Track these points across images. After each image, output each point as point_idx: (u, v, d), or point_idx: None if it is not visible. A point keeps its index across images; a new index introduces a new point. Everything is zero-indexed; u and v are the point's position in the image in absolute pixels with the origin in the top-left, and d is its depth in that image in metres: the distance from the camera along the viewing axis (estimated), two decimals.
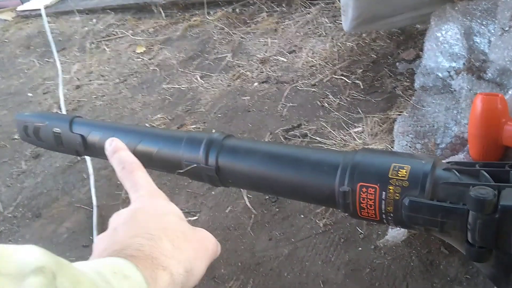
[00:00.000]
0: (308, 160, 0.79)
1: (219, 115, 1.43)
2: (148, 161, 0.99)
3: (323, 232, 0.92)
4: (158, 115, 1.54)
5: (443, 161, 0.84)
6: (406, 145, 0.99)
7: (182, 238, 0.42)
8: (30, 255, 0.27)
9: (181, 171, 0.94)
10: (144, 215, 0.44)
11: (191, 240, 0.44)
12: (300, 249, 0.90)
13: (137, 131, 1.06)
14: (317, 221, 0.94)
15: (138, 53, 2.18)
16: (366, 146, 1.07)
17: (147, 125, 1.51)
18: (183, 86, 1.70)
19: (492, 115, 0.87)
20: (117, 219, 0.46)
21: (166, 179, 1.23)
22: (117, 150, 0.54)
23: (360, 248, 0.86)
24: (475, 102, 0.89)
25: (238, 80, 1.59)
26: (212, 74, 1.69)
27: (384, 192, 0.68)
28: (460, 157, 0.92)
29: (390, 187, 0.68)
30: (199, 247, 0.45)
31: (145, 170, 0.54)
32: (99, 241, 0.46)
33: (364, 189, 0.70)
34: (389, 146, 1.04)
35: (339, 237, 0.89)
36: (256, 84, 1.53)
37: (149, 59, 2.06)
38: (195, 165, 0.91)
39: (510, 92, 0.90)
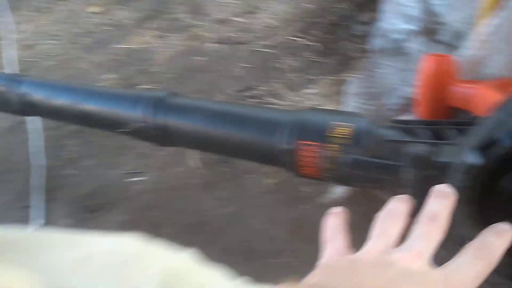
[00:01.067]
0: (252, 119, 0.77)
1: (173, 76, 1.39)
2: (94, 120, 0.95)
3: (271, 191, 0.91)
4: (110, 76, 1.49)
5: (391, 119, 0.84)
6: (357, 106, 0.98)
7: None
8: None
9: (128, 130, 0.91)
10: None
11: None
12: (247, 208, 0.89)
13: (83, 89, 1.01)
14: (266, 180, 0.93)
15: (93, 12, 2.08)
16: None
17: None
18: (138, 46, 1.64)
19: (440, 76, 0.86)
20: (388, 265, 0.32)
21: (114, 139, 1.19)
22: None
23: (305, 206, 0.85)
24: (424, 62, 0.88)
25: (194, 40, 1.55)
26: (169, 34, 1.64)
27: (325, 150, 0.67)
28: (409, 117, 0.92)
29: (331, 145, 0.67)
30: None
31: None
32: (329, 264, 0.35)
33: (305, 147, 0.69)
34: (340, 107, 1.03)
35: (286, 196, 0.89)
36: (212, 44, 1.48)
37: (105, 19, 1.98)
38: (142, 124, 0.88)
39: (459, 53, 0.89)
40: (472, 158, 0.51)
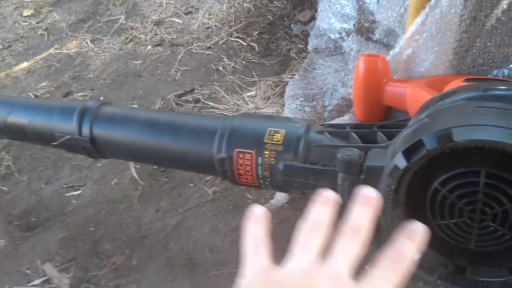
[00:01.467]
0: (187, 127, 0.75)
1: (109, 81, 1.34)
2: (21, 133, 0.90)
3: (212, 200, 0.89)
4: (43, 83, 1.42)
5: (323, 123, 0.84)
6: (296, 108, 0.98)
7: None
8: None
9: (55, 143, 0.87)
10: None
11: None
12: (188, 219, 0.87)
13: (7, 101, 0.96)
14: (206, 189, 0.91)
15: (25, 16, 1.99)
16: (247, 112, 1.05)
17: (30, 94, 1.38)
18: (72, 51, 1.58)
19: (374, 76, 0.87)
20: (318, 278, 0.33)
21: (49, 151, 1.14)
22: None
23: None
24: (358, 63, 0.89)
25: (131, 43, 1.50)
26: (104, 38, 1.58)
27: (260, 157, 0.66)
28: (345, 118, 0.93)
29: (266, 152, 0.66)
30: None
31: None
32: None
33: (241, 155, 0.68)
34: (281, 110, 1.02)
35: (228, 204, 0.87)
36: (149, 47, 1.44)
37: (37, 23, 1.89)
38: (68, 136, 0.84)
39: (391, 53, 0.91)
40: (397, 161, 0.51)
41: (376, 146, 0.59)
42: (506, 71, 0.85)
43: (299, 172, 0.63)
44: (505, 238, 0.53)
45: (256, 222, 0.38)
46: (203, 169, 0.74)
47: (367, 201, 0.38)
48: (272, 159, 0.65)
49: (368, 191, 0.38)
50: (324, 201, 0.38)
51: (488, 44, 0.85)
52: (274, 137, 0.65)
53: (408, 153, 0.51)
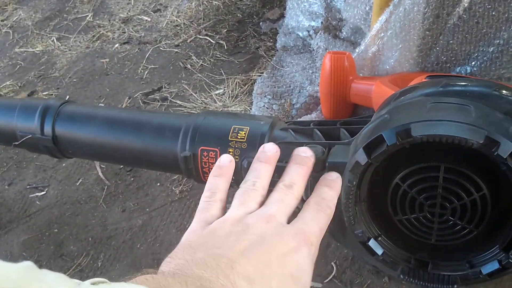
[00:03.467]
0: (150, 125, 0.73)
1: (75, 80, 1.32)
2: None
3: (179, 199, 0.88)
4: (7, 82, 1.38)
5: (288, 121, 0.84)
6: (264, 106, 0.98)
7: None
8: None
9: (17, 143, 0.85)
10: (266, 255, 0.32)
11: None
12: (154, 219, 0.86)
13: None
14: (173, 188, 0.90)
15: None
16: (211, 110, 1.05)
17: None
18: (37, 49, 1.54)
19: (340, 73, 0.88)
20: (246, 228, 0.35)
21: (13, 152, 1.11)
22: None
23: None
24: (324, 61, 0.89)
25: (98, 41, 1.47)
26: (70, 36, 1.55)
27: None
28: (312, 116, 0.93)
29: (230, 150, 0.65)
30: None
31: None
32: (190, 240, 0.35)
33: (205, 153, 0.67)
34: (248, 108, 1.02)
35: (195, 203, 0.86)
36: (116, 45, 1.42)
37: (2, 20, 1.84)
38: (30, 135, 0.82)
39: (357, 50, 0.91)
40: (358, 157, 0.51)
41: (339, 143, 0.59)
42: (468, 69, 0.87)
43: None
44: (464, 232, 0.54)
45: (218, 176, 0.43)
46: (168, 167, 0.73)
47: (302, 160, 0.43)
48: (236, 157, 0.64)
49: (303, 151, 0.44)
50: (264, 159, 0.42)
51: (451, 41, 0.86)
52: (238, 134, 0.65)
53: (368, 149, 0.51)
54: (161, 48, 1.35)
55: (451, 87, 0.56)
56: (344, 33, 1.11)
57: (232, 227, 0.35)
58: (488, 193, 0.51)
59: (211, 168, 0.68)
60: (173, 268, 0.30)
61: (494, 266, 0.53)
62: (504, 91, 0.56)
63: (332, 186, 0.41)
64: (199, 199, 0.87)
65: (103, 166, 0.99)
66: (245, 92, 1.08)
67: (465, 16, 0.83)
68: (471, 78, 0.78)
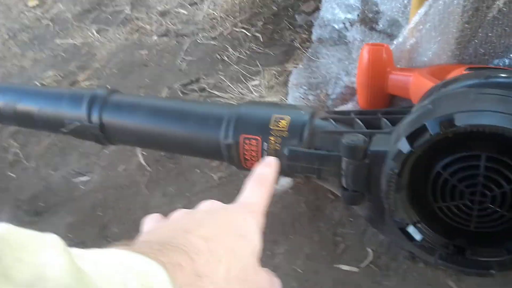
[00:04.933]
0: (194, 114, 0.77)
1: (115, 71, 1.36)
2: (30, 121, 0.92)
3: (218, 185, 0.91)
4: (50, 73, 1.44)
5: (328, 110, 0.86)
6: (299, 96, 1.00)
7: (238, 270, 0.33)
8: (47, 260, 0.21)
9: (65, 130, 0.89)
10: (215, 221, 0.36)
11: (248, 278, 0.34)
12: (194, 203, 0.87)
13: (17, 89, 0.98)
14: (212, 174, 0.93)
15: (30, 6, 2.00)
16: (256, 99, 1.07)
17: (37, 83, 1.40)
18: (77, 41, 1.59)
19: (378, 65, 0.89)
20: (194, 211, 0.40)
21: (56, 139, 1.16)
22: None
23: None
24: (362, 52, 0.90)
25: (136, 33, 1.52)
26: (109, 28, 1.60)
27: (265, 143, 0.69)
28: (348, 106, 0.95)
29: (271, 138, 0.68)
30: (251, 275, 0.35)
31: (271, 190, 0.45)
32: (155, 220, 0.42)
33: (247, 141, 0.70)
34: (284, 99, 1.04)
35: (233, 189, 0.89)
36: (155, 37, 1.46)
37: (42, 13, 1.90)
38: (78, 123, 0.86)
39: (395, 42, 0.92)
40: (401, 146, 0.53)
41: (380, 132, 0.61)
42: (507, 61, 0.87)
43: (303, 157, 0.65)
44: (504, 219, 0.55)
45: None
46: (210, 154, 0.76)
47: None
48: (278, 145, 0.67)
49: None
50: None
51: (490, 34, 0.87)
52: (280, 123, 0.67)
53: (411, 138, 0.53)
54: (198, 41, 1.38)
55: (493, 79, 0.57)
56: (381, 26, 1.12)
57: (184, 213, 0.39)
58: None
59: (252, 155, 0.71)
60: (141, 239, 0.33)
61: None
62: None
63: (271, 166, 0.45)
64: (237, 185, 0.90)
65: (144, 153, 1.02)
66: (280, 83, 1.10)
67: (505, 9, 0.83)
68: (508, 69, 0.78)
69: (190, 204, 0.93)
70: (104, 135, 0.83)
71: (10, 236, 0.21)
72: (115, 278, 0.24)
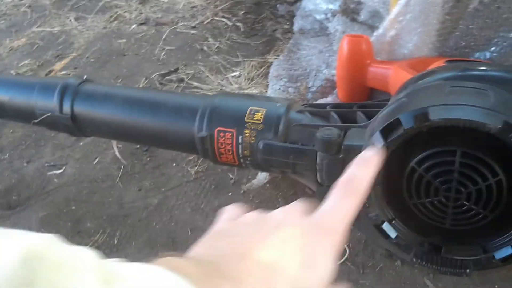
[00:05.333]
0: (168, 105, 0.74)
1: (92, 60, 1.33)
2: (1, 110, 0.89)
3: (195, 179, 0.89)
4: (26, 61, 1.40)
5: (304, 103, 0.84)
6: (279, 89, 0.98)
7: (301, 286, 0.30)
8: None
9: (36, 121, 0.86)
10: (282, 242, 0.31)
11: None
12: (170, 198, 0.87)
13: None
14: (189, 168, 0.91)
15: None
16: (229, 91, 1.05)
17: (12, 72, 1.36)
18: (55, 29, 1.55)
19: (357, 57, 0.87)
20: (265, 220, 0.34)
21: (31, 130, 1.13)
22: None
23: (230, 194, 0.84)
24: (341, 44, 0.89)
25: (115, 22, 1.48)
26: (88, 16, 1.56)
27: (240, 136, 0.66)
28: (328, 100, 0.93)
29: (246, 131, 0.66)
30: None
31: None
32: (207, 237, 0.34)
33: (221, 134, 0.68)
34: (264, 91, 1.02)
35: (210, 184, 0.87)
36: (133, 26, 1.43)
37: (20, 0, 1.86)
38: (49, 113, 0.83)
39: (375, 34, 0.91)
40: (375, 140, 0.51)
41: (355, 126, 0.59)
42: (488, 54, 0.86)
43: (279, 151, 0.63)
44: (479, 217, 0.54)
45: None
46: (184, 147, 0.74)
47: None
48: (252, 138, 0.65)
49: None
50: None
51: (471, 26, 0.85)
52: (255, 116, 0.65)
53: (385, 132, 0.51)
54: (178, 30, 1.35)
55: (470, 72, 0.55)
56: (362, 17, 1.10)
57: (254, 220, 0.35)
58: (504, 179, 0.51)
59: (227, 149, 0.69)
60: (192, 254, 0.30)
61: (507, 251, 0.53)
62: None
63: (367, 165, 0.37)
64: (214, 180, 0.88)
65: (120, 145, 1.00)
66: (261, 75, 1.08)
67: (486, 1, 0.82)
68: (490, 63, 0.77)
69: (166, 199, 0.91)
70: (76, 126, 0.81)
71: (48, 254, 0.20)
72: None
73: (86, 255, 0.22)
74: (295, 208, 0.35)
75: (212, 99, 0.70)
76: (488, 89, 0.52)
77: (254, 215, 0.35)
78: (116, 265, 0.23)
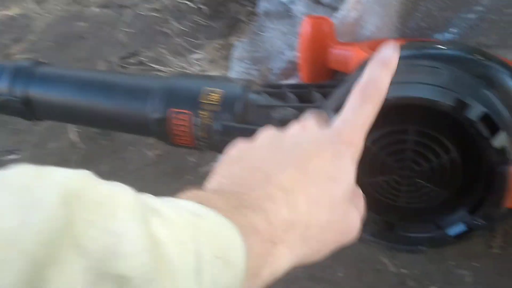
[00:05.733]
0: (122, 86, 0.72)
1: (52, 44, 1.28)
2: None
3: (154, 163, 0.87)
4: None
5: (262, 84, 0.83)
6: (242, 71, 0.97)
7: (324, 204, 0.29)
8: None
9: None
10: (301, 161, 0.30)
11: (335, 211, 0.30)
12: (128, 182, 0.84)
13: None
14: (148, 152, 0.89)
15: None
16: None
17: None
18: (14, 12, 1.49)
19: (318, 38, 0.86)
20: (283, 137, 0.33)
21: None
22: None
23: (189, 177, 0.83)
24: (303, 25, 0.87)
25: (76, 4, 1.43)
26: None
27: (196, 118, 0.65)
28: (292, 81, 0.92)
29: (202, 112, 0.64)
30: (338, 225, 0.31)
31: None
32: (223, 163, 0.32)
33: (176, 115, 0.66)
34: (226, 73, 1.00)
35: (170, 167, 0.86)
36: (95, 8, 1.39)
37: None
38: (0, 97, 0.80)
39: (337, 16, 0.90)
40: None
41: (312, 106, 0.59)
42: (447, 35, 0.86)
43: (236, 133, 0.62)
44: (432, 194, 0.54)
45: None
46: (139, 130, 0.72)
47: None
48: (209, 119, 0.63)
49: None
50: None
51: (431, 7, 0.85)
52: (211, 96, 0.63)
53: (339, 111, 0.51)
54: (139, 12, 1.32)
55: (425, 50, 0.55)
56: None
57: (268, 139, 0.33)
58: (457, 156, 0.51)
59: (183, 131, 0.67)
60: (215, 185, 0.30)
61: (460, 228, 0.53)
62: (478, 55, 0.55)
63: (387, 65, 0.34)
64: (174, 162, 0.87)
65: (78, 130, 0.97)
66: (223, 57, 1.06)
67: None
68: (447, 42, 0.77)
69: (124, 183, 0.89)
70: (28, 110, 0.78)
71: (86, 192, 0.20)
72: (189, 247, 0.21)
73: (123, 191, 0.23)
74: (311, 122, 0.34)
75: (166, 79, 0.68)
76: (441, 67, 0.52)
77: (270, 133, 0.34)
78: (152, 201, 0.24)
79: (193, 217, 0.23)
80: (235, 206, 0.26)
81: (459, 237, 0.54)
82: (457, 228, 0.53)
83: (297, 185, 0.29)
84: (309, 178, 0.29)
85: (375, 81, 0.33)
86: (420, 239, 0.55)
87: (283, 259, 0.27)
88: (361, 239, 0.67)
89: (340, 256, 0.67)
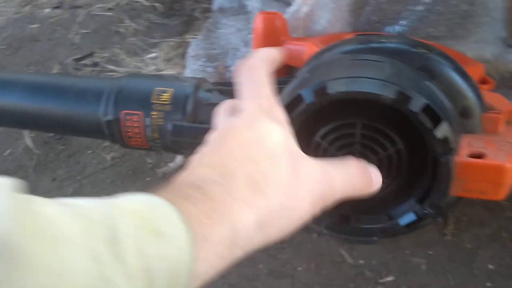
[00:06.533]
0: (73, 89, 0.70)
1: (3, 47, 1.25)
2: None
3: (111, 166, 0.86)
4: None
5: (214, 82, 0.83)
6: (197, 69, 0.96)
7: (271, 176, 0.31)
8: None
9: None
10: (233, 138, 0.33)
11: (291, 179, 0.33)
12: (85, 186, 0.84)
13: None
14: (105, 155, 0.88)
15: None
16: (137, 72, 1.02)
17: None
18: None
19: (271, 34, 0.87)
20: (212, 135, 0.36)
21: None
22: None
23: (148, 178, 0.82)
24: (255, 21, 0.88)
25: (28, 6, 1.40)
26: None
27: (148, 118, 0.64)
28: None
29: (153, 113, 0.64)
30: (301, 188, 0.33)
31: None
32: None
33: (128, 117, 0.65)
34: (182, 71, 1.00)
35: (127, 170, 0.85)
36: (47, 10, 1.35)
37: None
38: None
39: (290, 11, 0.90)
40: None
41: None
42: (397, 28, 0.88)
43: (187, 132, 0.62)
44: (382, 185, 0.55)
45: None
46: (92, 133, 0.71)
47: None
48: (161, 120, 0.63)
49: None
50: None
51: (381, 1, 0.87)
52: (161, 96, 0.63)
53: (289, 108, 0.51)
54: (93, 12, 1.29)
55: (369, 44, 0.56)
56: None
57: (245, 126, 0.35)
58: (403, 148, 0.53)
59: (135, 132, 0.67)
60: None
61: (410, 217, 0.55)
62: (420, 48, 0.57)
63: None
64: (131, 165, 0.86)
65: (32, 135, 0.95)
66: (179, 55, 1.06)
67: None
68: (390, 35, 0.79)
69: (81, 187, 0.88)
70: None
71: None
72: (98, 224, 0.22)
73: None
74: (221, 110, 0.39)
75: (117, 81, 0.67)
76: (384, 61, 0.53)
77: (244, 119, 0.35)
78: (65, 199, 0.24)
79: (112, 201, 0.25)
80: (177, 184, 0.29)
81: (410, 226, 0.55)
82: (407, 218, 0.55)
83: (238, 165, 0.31)
84: (253, 158, 0.32)
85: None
86: (373, 230, 0.56)
87: (241, 213, 0.28)
88: (321, 234, 0.69)
89: (301, 250, 0.68)
